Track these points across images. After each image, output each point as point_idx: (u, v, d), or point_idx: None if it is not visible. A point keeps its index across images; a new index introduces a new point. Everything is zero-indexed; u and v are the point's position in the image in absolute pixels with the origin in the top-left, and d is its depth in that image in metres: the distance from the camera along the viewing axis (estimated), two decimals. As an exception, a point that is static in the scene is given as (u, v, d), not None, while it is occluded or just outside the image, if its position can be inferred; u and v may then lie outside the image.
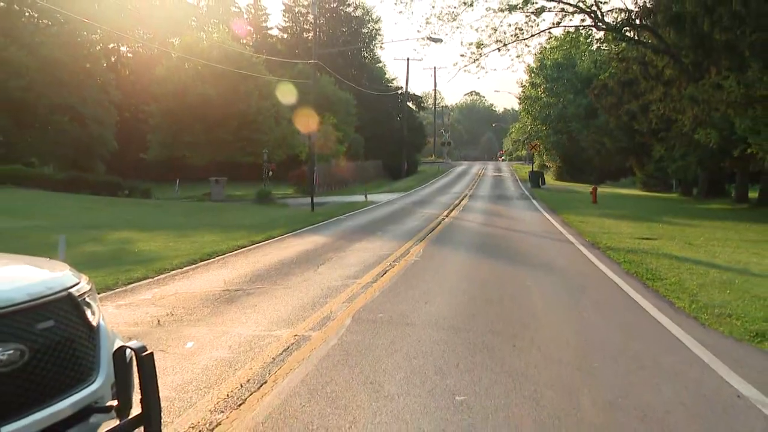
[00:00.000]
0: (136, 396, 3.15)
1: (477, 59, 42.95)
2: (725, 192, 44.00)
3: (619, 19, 39.02)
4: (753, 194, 38.83)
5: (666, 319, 9.28)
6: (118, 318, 8.75)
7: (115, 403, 3.12)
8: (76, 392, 2.97)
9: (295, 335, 8.00)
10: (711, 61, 28.21)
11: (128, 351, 3.15)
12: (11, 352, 2.67)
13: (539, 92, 78.72)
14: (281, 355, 7.16)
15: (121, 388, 3.14)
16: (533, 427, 5.21)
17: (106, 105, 47.38)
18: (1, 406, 2.41)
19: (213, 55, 48.59)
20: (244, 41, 68.18)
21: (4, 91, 38.68)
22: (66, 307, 3.09)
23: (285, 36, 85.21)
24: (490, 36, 42.08)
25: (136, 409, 3.12)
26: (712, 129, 32.06)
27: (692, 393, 6.20)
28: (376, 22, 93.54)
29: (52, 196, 30.81)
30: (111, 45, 58.89)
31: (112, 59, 58.83)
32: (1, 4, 46.01)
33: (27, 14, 47.63)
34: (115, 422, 3.03)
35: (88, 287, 3.35)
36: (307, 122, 34.43)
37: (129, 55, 61.77)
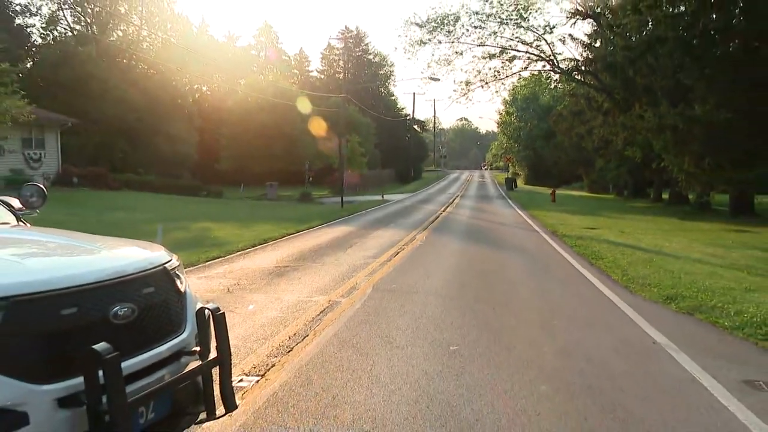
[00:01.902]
0: (213, 344, 3.19)
1: (466, 93, 43.03)
2: (646, 194, 43.90)
3: (570, 66, 39.44)
4: (665, 196, 38.92)
5: (605, 287, 9.31)
6: (199, 286, 8.81)
7: (198, 348, 3.16)
8: (171, 340, 3.02)
9: (329, 300, 8.03)
10: (635, 98, 28.94)
11: (207, 311, 3.19)
12: (126, 309, 2.71)
13: (512, 119, 78.60)
14: (319, 316, 7.19)
15: (202, 338, 3.18)
16: (508, 368, 5.23)
17: (190, 129, 47.80)
18: (121, 348, 2.45)
19: (269, 91, 48.73)
20: (292, 81, 68.24)
21: (124, 121, 39.64)
22: (162, 278, 3.12)
23: (322, 76, 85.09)
24: (475, 76, 42.15)
25: (213, 354, 3.16)
26: (637, 148, 32.78)
27: (622, 341, 6.28)
28: (390, 66, 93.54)
29: (152, 196, 30.96)
30: (195, 86, 59.11)
31: (196, 96, 58.97)
32: (125, 61, 46.72)
33: (140, 67, 48.16)
34: (198, 363, 3.07)
35: (177, 263, 3.39)
36: (338, 140, 34.42)
37: (208, 92, 61.90)
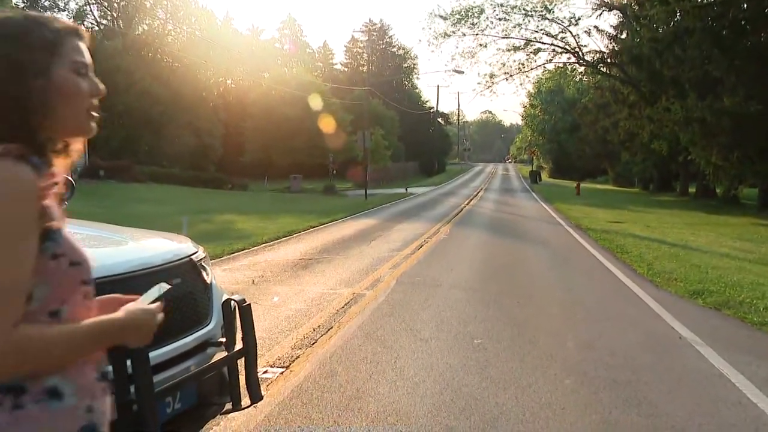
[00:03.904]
0: (239, 335, 3.21)
1: (490, 86, 42.93)
2: (672, 187, 43.43)
3: (595, 58, 39.10)
4: (692, 189, 38.44)
5: (630, 281, 9.22)
6: (224, 278, 8.88)
7: (223, 339, 3.18)
8: (197, 331, 3.05)
9: (354, 293, 8.05)
10: (662, 90, 28.58)
11: (232, 302, 3.21)
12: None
13: (537, 111, 78.02)
14: (343, 308, 7.21)
15: (228, 329, 3.20)
16: (532, 362, 5.21)
17: (215, 122, 48.18)
18: (148, 338, 2.48)
19: (292, 84, 48.89)
20: (316, 74, 68.41)
21: (149, 114, 40.02)
22: (188, 269, 3.15)
23: (346, 69, 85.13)
24: (500, 69, 42.02)
25: (238, 345, 3.18)
26: (663, 141, 32.25)
27: (647, 335, 6.21)
28: (414, 59, 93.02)
29: (177, 189, 31.27)
30: (220, 79, 59.46)
31: (221, 89, 59.38)
32: (150, 54, 47.19)
33: (165, 61, 48.62)
34: (224, 354, 3.10)
35: (203, 255, 3.41)
36: (362, 133, 34.48)
37: (232, 85, 62.26)
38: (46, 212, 1.21)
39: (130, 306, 1.39)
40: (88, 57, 1.34)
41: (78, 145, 1.39)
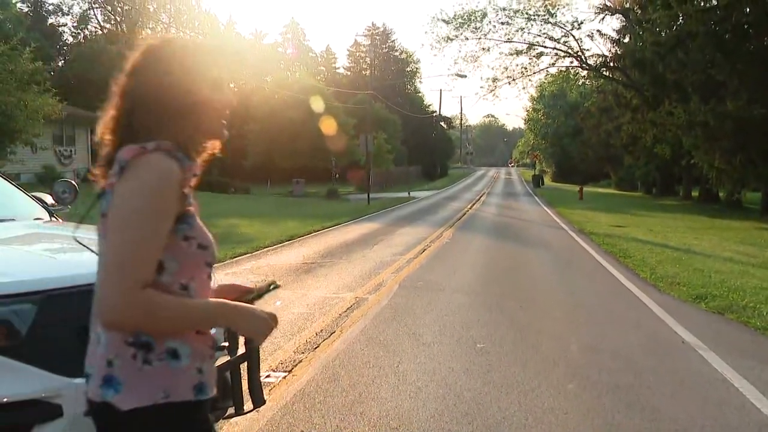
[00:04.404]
0: (242, 340, 3.21)
1: (493, 90, 42.97)
2: (675, 191, 43.39)
3: (598, 62, 39.18)
4: (695, 193, 38.39)
5: (633, 285, 9.21)
6: (226, 282, 8.86)
7: (226, 344, 3.17)
8: (200, 336, 3.05)
9: (356, 297, 8.05)
10: (664, 94, 28.56)
11: (236, 306, 3.22)
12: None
13: (539, 115, 78.03)
14: (346, 312, 7.21)
15: (231, 333, 3.18)
16: (535, 366, 5.21)
17: (218, 126, 48.29)
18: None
19: (295, 88, 48.94)
20: (318, 78, 68.52)
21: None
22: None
23: (348, 73, 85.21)
24: (502, 73, 42.05)
25: (241, 349, 3.18)
26: (666, 145, 32.24)
27: (650, 339, 6.22)
28: (417, 63, 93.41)
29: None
30: (222, 82, 59.70)
31: (223, 92, 59.63)
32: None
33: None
34: (226, 358, 3.09)
35: (207, 260, 3.42)
36: (364, 137, 34.51)
37: (235, 89, 62.43)
38: (184, 199, 1.48)
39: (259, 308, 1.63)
40: (222, 73, 1.61)
41: (215, 146, 1.67)
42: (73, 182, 4.69)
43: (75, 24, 50.24)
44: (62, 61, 44.45)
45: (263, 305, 5.73)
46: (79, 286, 2.51)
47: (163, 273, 1.43)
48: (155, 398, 1.41)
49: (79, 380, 2.38)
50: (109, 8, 50.95)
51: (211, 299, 1.55)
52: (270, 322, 1.61)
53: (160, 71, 1.52)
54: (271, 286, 1.83)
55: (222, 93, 1.59)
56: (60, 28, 49.45)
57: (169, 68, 1.52)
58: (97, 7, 50.93)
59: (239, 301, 1.67)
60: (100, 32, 49.95)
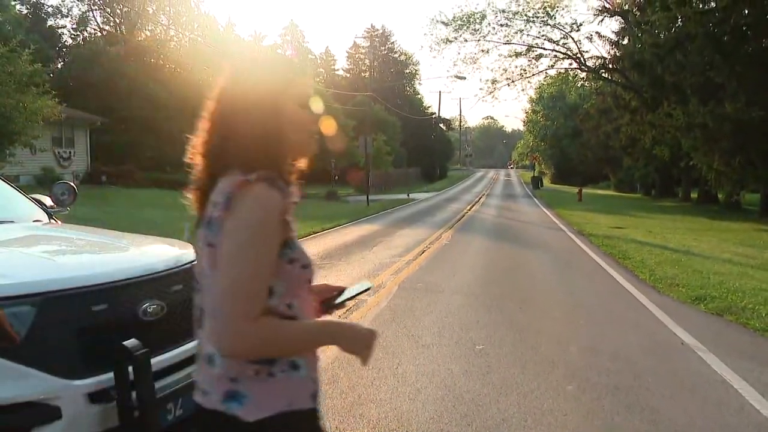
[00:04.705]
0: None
1: (492, 92, 43.04)
2: (674, 193, 43.42)
3: (597, 64, 39.22)
4: (694, 195, 38.41)
5: (632, 287, 9.22)
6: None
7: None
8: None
9: (355, 299, 8.03)
10: (663, 96, 28.57)
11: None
12: (155, 306, 2.75)
13: (539, 117, 78.17)
14: (345, 314, 7.20)
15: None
16: (534, 367, 5.21)
17: (217, 127, 48.34)
18: (150, 344, 2.48)
19: (295, 90, 48.98)
20: (318, 79, 68.54)
21: (152, 120, 40.05)
22: (190, 275, 3.13)
23: (347, 75, 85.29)
24: (501, 75, 42.10)
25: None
26: (665, 146, 32.27)
27: (649, 340, 6.23)
28: (416, 65, 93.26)
29: (180, 195, 31.22)
30: (222, 84, 59.71)
31: (223, 94, 59.63)
32: (152, 60, 47.33)
33: (168, 66, 48.76)
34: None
35: (206, 261, 3.42)
36: (363, 139, 34.52)
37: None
38: (287, 225, 1.52)
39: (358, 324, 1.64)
40: (309, 89, 1.63)
41: (303, 163, 1.71)
42: (72, 184, 4.69)
43: (74, 26, 50.14)
44: (61, 63, 44.41)
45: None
46: (78, 288, 2.51)
47: (272, 296, 1.49)
48: (280, 407, 1.49)
49: (78, 382, 2.39)
50: (108, 10, 50.85)
51: (316, 320, 1.65)
52: (372, 337, 1.62)
53: (246, 93, 1.57)
54: (362, 289, 1.82)
55: (309, 108, 1.62)
56: (59, 30, 49.37)
57: (254, 89, 1.56)
58: (96, 9, 50.86)
59: (330, 301, 1.79)
60: (99, 34, 49.85)
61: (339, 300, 1.80)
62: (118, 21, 51.31)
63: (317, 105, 1.63)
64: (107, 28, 51.36)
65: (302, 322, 1.56)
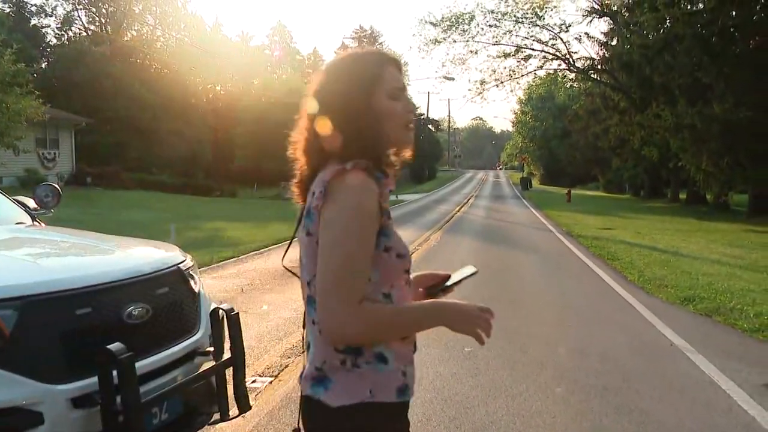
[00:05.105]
0: (227, 344, 3.20)
1: (480, 93, 43.16)
2: (663, 194, 43.68)
3: (586, 65, 39.46)
4: (682, 196, 38.64)
5: (621, 288, 9.26)
6: (212, 287, 8.84)
7: (211, 349, 3.17)
8: (185, 340, 3.03)
9: (344, 300, 8.02)
10: (652, 97, 28.78)
11: (220, 311, 3.21)
12: (140, 309, 2.73)
13: (527, 118, 78.42)
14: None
15: (216, 338, 3.19)
16: (523, 369, 5.22)
17: (204, 129, 48.01)
18: (135, 348, 2.47)
19: (282, 90, 48.88)
20: (306, 80, 68.45)
21: (137, 120, 39.81)
22: (176, 278, 3.14)
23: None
24: (490, 75, 42.29)
25: (226, 354, 3.17)
26: (654, 147, 32.46)
27: (638, 341, 6.26)
28: (404, 65, 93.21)
29: (166, 196, 31.13)
30: (209, 85, 59.40)
31: (210, 95, 59.27)
32: (138, 60, 47.11)
33: (154, 67, 48.54)
34: (212, 363, 3.09)
35: (191, 263, 3.40)
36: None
37: (222, 92, 62.19)
38: (383, 213, 1.56)
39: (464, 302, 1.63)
40: (399, 80, 1.66)
41: (405, 155, 1.76)
42: (56, 186, 4.65)
43: (59, 25, 49.89)
44: (45, 63, 44.11)
45: (251, 307, 5.70)
46: (62, 291, 2.49)
47: (368, 284, 1.53)
48: (361, 397, 1.53)
49: (61, 387, 2.37)
50: (94, 10, 50.61)
51: (418, 302, 1.67)
52: (485, 315, 1.61)
53: (339, 90, 1.62)
54: (468, 273, 1.85)
55: (400, 100, 1.64)
56: (43, 30, 49.07)
57: (346, 86, 1.62)
58: (81, 9, 50.61)
59: (436, 288, 1.83)
60: (84, 34, 49.59)
61: (447, 284, 1.84)
62: (103, 21, 51.09)
63: (407, 95, 1.67)
64: (92, 27, 51.12)
65: (404, 305, 1.60)
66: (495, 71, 42.04)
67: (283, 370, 5.25)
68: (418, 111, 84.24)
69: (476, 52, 42.38)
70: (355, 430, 1.54)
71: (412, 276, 1.76)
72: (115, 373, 2.40)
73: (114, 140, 38.57)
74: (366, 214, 1.50)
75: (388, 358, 1.57)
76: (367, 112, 1.59)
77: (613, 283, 9.69)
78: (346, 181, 1.51)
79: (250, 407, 3.30)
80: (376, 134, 1.59)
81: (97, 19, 51.34)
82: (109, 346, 2.38)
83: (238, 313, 3.23)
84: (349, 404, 1.52)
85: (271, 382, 4.94)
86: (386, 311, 1.54)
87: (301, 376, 1.67)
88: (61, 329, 2.47)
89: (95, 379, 2.41)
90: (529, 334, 6.41)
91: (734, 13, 23.18)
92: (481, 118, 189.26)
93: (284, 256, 1.80)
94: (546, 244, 15.20)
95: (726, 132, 22.53)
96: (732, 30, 23.32)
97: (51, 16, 51.33)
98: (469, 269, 1.85)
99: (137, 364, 2.47)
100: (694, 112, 23.49)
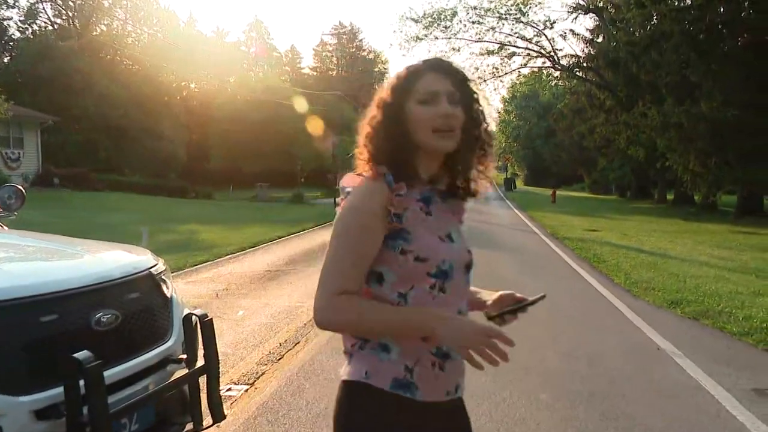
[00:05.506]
0: (201, 351, 3.19)
1: (463, 91, 43.14)
2: (650, 194, 44.10)
3: (571, 63, 39.72)
4: (670, 197, 39.01)
5: (607, 291, 9.35)
6: (186, 292, 8.79)
7: (184, 356, 3.15)
8: (156, 347, 3.00)
9: (323, 305, 8.01)
10: (638, 95, 29.04)
11: (194, 317, 3.18)
12: (110, 315, 2.70)
13: (511, 117, 78.82)
14: (311, 322, 7.17)
15: (189, 345, 3.17)
16: (506, 375, 5.23)
17: (178, 128, 47.60)
18: (104, 356, 2.44)
19: (259, 88, 48.77)
20: (283, 78, 68.33)
21: (107, 118, 39.39)
22: (148, 283, 3.11)
23: (314, 73, 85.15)
24: (473, 74, 42.17)
25: (200, 362, 3.15)
26: (640, 147, 32.75)
27: (624, 345, 6.32)
28: (385, 63, 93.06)
29: (138, 198, 30.88)
30: (183, 83, 59.06)
31: (184, 93, 58.97)
32: (108, 56, 46.67)
33: (125, 63, 48.13)
34: (184, 371, 3.07)
35: (163, 267, 3.38)
36: (331, 140, 34.49)
37: (196, 89, 61.88)
38: (390, 217, 1.65)
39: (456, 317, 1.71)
40: (433, 85, 1.72)
41: (488, 172, 1.90)
42: (19, 187, 4.60)
43: (22, 18, 49.13)
44: (8, 58, 43.62)
45: (226, 312, 5.67)
46: (25, 297, 2.46)
47: (382, 283, 1.69)
48: (358, 376, 1.71)
49: (24, 398, 2.33)
50: (60, 2, 50.04)
51: (414, 308, 1.70)
52: (477, 336, 1.65)
53: (380, 98, 1.79)
54: (539, 296, 1.87)
55: (431, 104, 1.71)
56: (5, 22, 48.33)
57: (386, 93, 1.78)
58: (46, 1, 49.98)
59: (509, 309, 1.86)
60: (50, 27, 49.01)
61: (507, 309, 1.85)
62: (70, 14, 50.56)
63: (442, 98, 1.71)
64: (59, 21, 50.57)
65: (395, 307, 1.69)
66: (478, 69, 42.22)
67: (259, 377, 5.22)
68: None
69: (459, 50, 42.50)
70: (350, 404, 1.73)
71: (500, 293, 1.92)
72: (82, 382, 2.37)
73: (83, 139, 38.18)
74: (362, 214, 1.65)
75: (391, 349, 1.69)
76: (398, 119, 1.72)
77: (599, 286, 9.76)
78: (354, 184, 1.72)
79: (224, 416, 3.28)
80: (402, 140, 1.71)
81: (63, 12, 50.79)
82: (75, 355, 2.35)
83: (212, 319, 3.21)
84: (349, 380, 1.73)
85: (246, 391, 4.92)
86: (361, 308, 1.66)
87: None
88: (24, 337, 2.43)
89: (61, 389, 2.38)
90: (516, 340, 6.41)
91: (722, 9, 23.47)
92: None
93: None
94: (530, 247, 15.27)
95: (714, 131, 22.80)
96: (720, 27, 23.61)
97: (14, 7, 50.75)
98: (538, 296, 1.87)
99: (106, 373, 2.44)
100: (681, 111, 23.73)
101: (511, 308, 1.85)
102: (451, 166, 1.80)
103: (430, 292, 1.70)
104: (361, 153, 1.79)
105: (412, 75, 1.75)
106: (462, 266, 1.79)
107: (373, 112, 1.80)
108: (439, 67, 1.76)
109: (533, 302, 1.85)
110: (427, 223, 1.71)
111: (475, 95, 1.79)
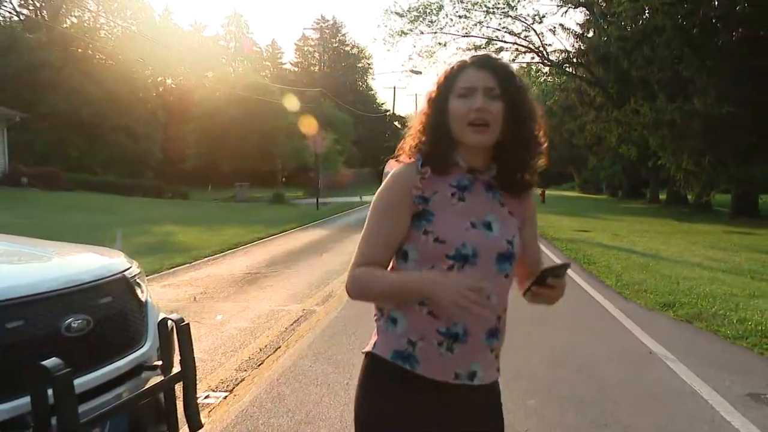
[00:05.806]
0: (177, 357, 3.17)
1: (450, 87, 43.22)
2: (641, 194, 44.38)
3: (560, 58, 39.87)
4: (662, 196, 39.24)
5: (597, 293, 9.40)
6: (162, 295, 8.74)
7: (159, 363, 3.13)
8: (130, 353, 2.98)
9: (303, 309, 8.01)
10: (630, 91, 29.15)
11: (170, 322, 3.16)
12: (80, 321, 2.67)
13: (500, 114, 78.98)
14: (292, 326, 7.17)
15: (164, 351, 3.15)
16: (495, 382, 5.24)
17: (154, 125, 47.34)
18: (74, 363, 2.41)
19: (238, 85, 48.52)
20: (263, 74, 68.14)
21: (78, 115, 39.01)
22: (121, 286, 3.09)
23: (296, 69, 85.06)
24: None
25: (176, 368, 3.13)
26: (632, 145, 32.92)
27: (616, 350, 6.35)
28: (369, 59, 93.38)
29: (112, 198, 30.67)
30: (159, 78, 58.74)
31: (160, 89, 58.66)
32: (80, 50, 46.26)
33: (97, 57, 47.72)
34: (160, 378, 3.05)
35: (138, 270, 3.35)
36: (313, 138, 34.44)
37: (173, 85, 61.58)
38: (416, 199, 1.82)
39: (449, 275, 1.79)
40: (471, 80, 1.83)
41: (539, 163, 1.96)
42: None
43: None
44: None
45: (204, 317, 5.62)
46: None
47: (407, 261, 1.86)
48: (371, 346, 1.95)
49: (2, 406, 2.31)
50: (28, -8, 49.63)
51: (413, 272, 1.84)
52: (468, 293, 1.67)
53: (428, 91, 1.93)
54: (561, 264, 2.00)
55: (467, 98, 1.81)
56: (-34, 13, 47.89)
57: (433, 88, 1.91)
58: (11, -9, 49.45)
59: (533, 281, 1.99)
60: (15, 18, 48.52)
61: (531, 282, 1.98)
62: (38, 4, 50.10)
63: (479, 92, 1.81)
64: (25, 12, 50.04)
65: (397, 272, 1.89)
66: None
67: (238, 384, 5.20)
68: (384, 107, 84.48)
69: (445, 45, 42.56)
70: (362, 373, 1.98)
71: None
72: (50, 391, 2.34)
73: (53, 137, 37.88)
74: (390, 193, 1.85)
75: (398, 322, 1.86)
76: (441, 113, 1.85)
77: (590, 288, 9.81)
78: (391, 168, 1.92)
79: (201, 425, 3.26)
80: (442, 133, 1.85)
81: (30, 2, 50.31)
82: (43, 362, 2.32)
83: (188, 324, 3.18)
84: (365, 351, 1.98)
85: (225, 398, 4.89)
86: (370, 276, 1.84)
87: None
88: (-5, 343, 2.40)
89: (28, 399, 2.35)
90: (504, 346, 6.43)
91: (716, 3, 23.64)
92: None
93: None
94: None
95: (708, 128, 22.95)
96: (714, 21, 23.78)
97: (-26, -4, 50.14)
98: (560, 263, 1.99)
99: (76, 381, 2.42)
100: (674, 108, 23.89)
101: (533, 281, 1.97)
102: (500, 160, 1.89)
103: (451, 273, 1.80)
104: (409, 142, 1.94)
105: (456, 70, 1.86)
106: (493, 254, 1.86)
107: (423, 106, 1.93)
108: (482, 62, 1.88)
109: (553, 270, 1.95)
110: (456, 208, 1.83)
111: (522, 91, 1.95)
